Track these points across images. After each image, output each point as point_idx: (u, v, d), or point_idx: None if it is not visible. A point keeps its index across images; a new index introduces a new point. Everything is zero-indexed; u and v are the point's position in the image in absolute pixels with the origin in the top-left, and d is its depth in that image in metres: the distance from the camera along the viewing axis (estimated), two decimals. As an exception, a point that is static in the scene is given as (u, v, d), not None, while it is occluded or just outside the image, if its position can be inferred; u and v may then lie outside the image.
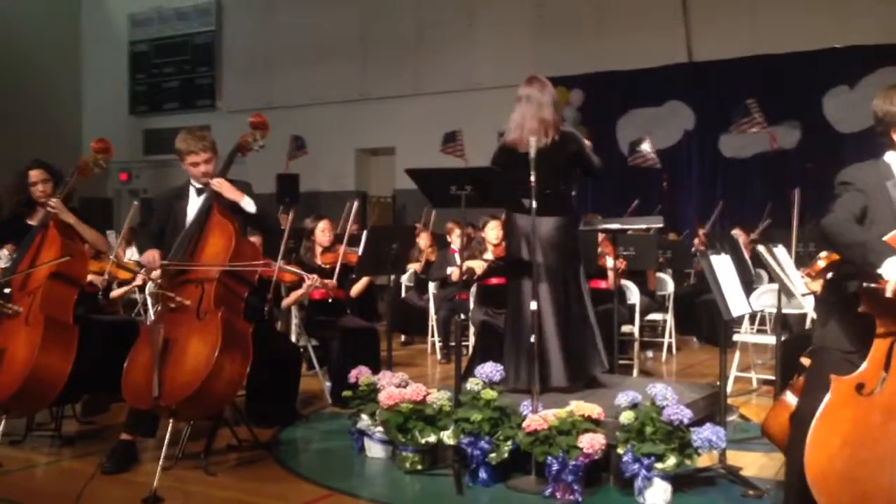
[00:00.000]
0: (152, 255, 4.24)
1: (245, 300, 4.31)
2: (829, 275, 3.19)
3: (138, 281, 6.50)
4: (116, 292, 6.59)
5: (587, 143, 4.74)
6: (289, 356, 5.24)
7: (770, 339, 6.06)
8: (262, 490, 4.00)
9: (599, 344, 4.66)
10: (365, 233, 5.60)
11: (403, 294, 9.17)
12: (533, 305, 4.11)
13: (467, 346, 6.93)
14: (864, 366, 2.70)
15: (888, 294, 2.54)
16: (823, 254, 3.90)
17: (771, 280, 5.78)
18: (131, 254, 8.45)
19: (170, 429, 4.04)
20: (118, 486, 4.00)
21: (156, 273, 4.45)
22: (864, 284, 2.63)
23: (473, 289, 6.92)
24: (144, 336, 4.12)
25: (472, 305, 6.89)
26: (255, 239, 5.13)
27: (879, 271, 2.55)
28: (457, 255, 6.73)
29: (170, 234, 4.42)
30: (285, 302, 5.98)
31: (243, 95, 16.05)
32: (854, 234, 2.71)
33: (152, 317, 6.22)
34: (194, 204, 4.44)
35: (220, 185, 4.34)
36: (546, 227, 4.49)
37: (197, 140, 4.40)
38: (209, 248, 4.22)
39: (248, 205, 4.37)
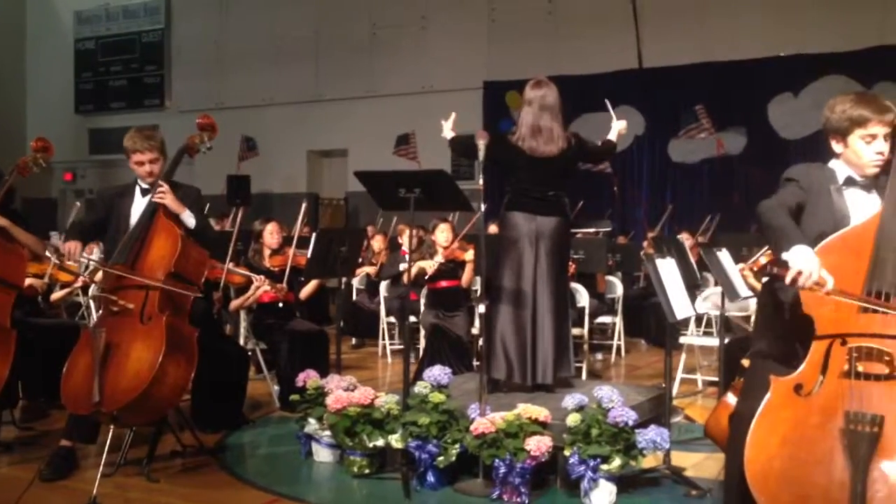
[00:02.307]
0: (71, 245, 4.12)
1: (191, 304, 4.24)
2: (769, 276, 3.24)
3: (79, 283, 6.37)
4: (57, 295, 6.43)
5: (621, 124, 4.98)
6: (236, 360, 5.17)
7: (716, 342, 6.16)
8: (205, 496, 3.94)
9: (571, 346, 4.77)
10: (314, 235, 5.55)
11: (354, 297, 9.12)
12: (481, 308, 4.14)
13: (417, 350, 6.92)
14: (802, 367, 2.74)
15: (787, 281, 2.58)
16: (766, 250, 3.99)
17: (716, 283, 5.87)
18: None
19: (110, 434, 3.95)
20: (57, 494, 3.91)
21: (98, 276, 4.36)
22: (769, 268, 2.68)
23: (424, 291, 6.92)
24: (85, 340, 4.02)
25: (422, 308, 6.89)
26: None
27: (784, 256, 2.61)
28: (407, 257, 6.72)
29: (112, 233, 4.33)
30: (233, 305, 5.90)
31: (193, 95, 15.84)
32: (778, 219, 2.75)
33: (96, 320, 6.09)
34: (139, 204, 4.35)
35: (163, 196, 4.23)
36: (548, 228, 4.62)
37: (144, 139, 4.31)
38: (154, 251, 4.13)
39: (189, 219, 4.28)
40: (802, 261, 2.57)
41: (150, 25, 16.73)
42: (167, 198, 4.21)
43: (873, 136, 2.84)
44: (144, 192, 4.35)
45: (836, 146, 2.93)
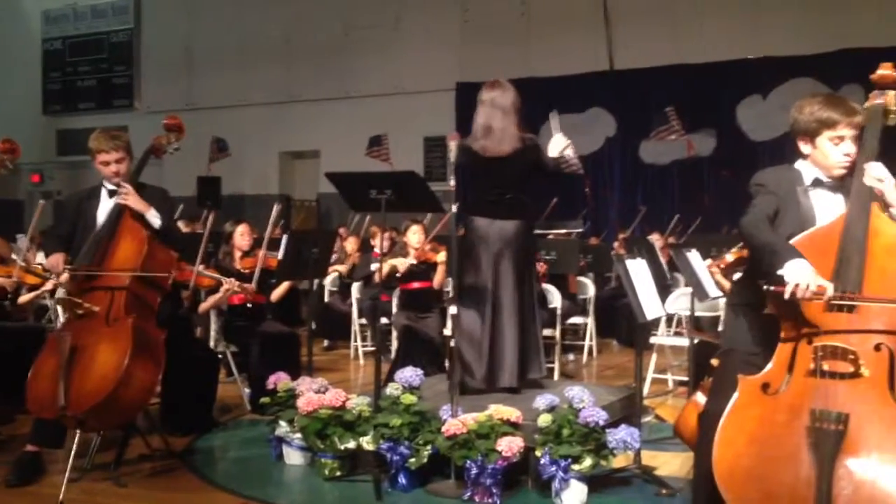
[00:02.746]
0: (56, 259, 4.09)
1: (158, 306, 4.20)
2: (737, 276, 3.28)
3: (48, 286, 6.26)
4: (24, 298, 6.32)
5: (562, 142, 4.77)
6: (205, 362, 5.12)
7: (686, 342, 6.21)
8: (174, 500, 3.89)
9: (542, 348, 4.73)
10: (285, 237, 5.51)
11: (327, 298, 9.07)
12: (452, 310, 4.12)
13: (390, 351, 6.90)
14: (769, 366, 2.78)
15: (786, 296, 2.61)
16: (734, 249, 4.03)
17: (687, 283, 5.92)
18: (42, 257, 8.15)
19: (77, 439, 3.90)
20: (23, 499, 3.84)
21: (64, 277, 4.30)
22: (765, 287, 2.71)
23: (396, 293, 6.90)
24: (51, 343, 3.96)
25: (394, 310, 6.88)
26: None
27: (780, 272, 2.63)
28: (380, 259, 6.70)
29: (80, 235, 4.28)
30: (202, 307, 5.85)
31: (163, 96, 15.70)
32: (764, 234, 2.78)
33: (61, 323, 6.00)
34: (105, 205, 4.30)
35: (126, 196, 4.19)
36: (507, 230, 4.55)
37: (109, 139, 4.28)
38: (120, 252, 4.09)
39: (154, 218, 4.24)
40: (798, 274, 2.60)
41: (119, 25, 16.55)
42: (130, 198, 4.17)
43: (841, 138, 2.87)
44: (111, 194, 4.31)
45: (804, 147, 2.96)
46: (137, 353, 3.80)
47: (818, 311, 2.68)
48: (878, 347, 2.62)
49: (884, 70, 3.02)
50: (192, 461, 4.47)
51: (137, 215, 4.18)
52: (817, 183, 2.94)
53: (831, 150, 2.89)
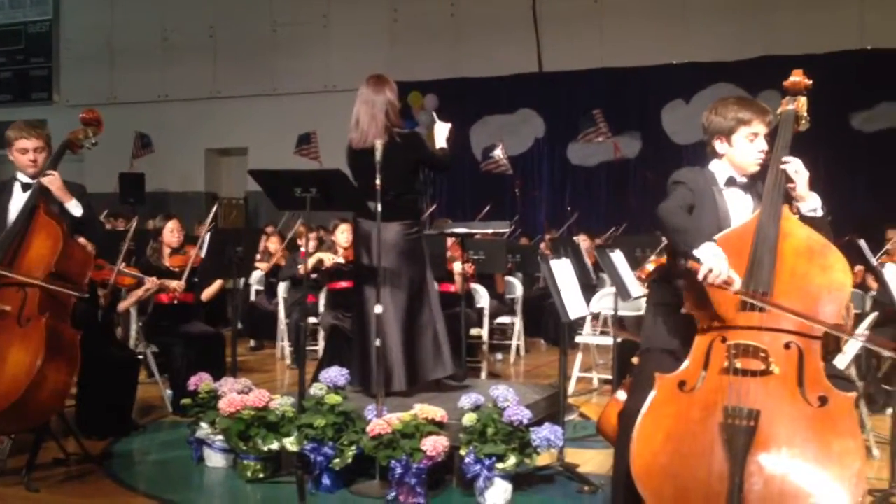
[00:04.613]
0: None
1: (73, 305, 4.07)
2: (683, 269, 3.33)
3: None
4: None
5: (445, 128, 4.74)
6: (124, 363, 5.00)
7: (611, 340, 6.31)
8: (90, 506, 3.79)
9: (445, 348, 4.65)
10: (207, 235, 5.40)
11: (253, 298, 8.94)
12: (378, 309, 4.10)
13: (317, 351, 6.84)
14: (685, 364, 2.84)
15: (699, 277, 2.68)
16: (653, 257, 4.12)
17: (611, 283, 6.01)
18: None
19: (-14, 444, 3.76)
20: (-74, 508, 3.69)
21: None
22: (682, 261, 2.77)
23: (323, 292, 6.84)
24: (-41, 345, 3.80)
25: (321, 309, 6.81)
26: (85, 241, 4.85)
27: (695, 253, 2.70)
28: (307, 258, 6.63)
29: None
30: (122, 305, 5.69)
31: (84, 89, 15.24)
32: (680, 220, 2.86)
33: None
34: (18, 200, 4.16)
35: (51, 180, 4.07)
36: (390, 232, 4.45)
37: (29, 127, 4.20)
38: (34, 249, 3.95)
39: (75, 208, 4.12)
40: (713, 259, 2.67)
41: (37, 16, 15.99)
42: (55, 182, 4.06)
43: (756, 134, 2.99)
44: (25, 188, 4.17)
45: (720, 146, 3.05)
46: (51, 355, 3.68)
47: (732, 309, 2.76)
48: (787, 346, 2.71)
49: (795, 77, 3.13)
50: (109, 465, 4.35)
51: (52, 211, 4.04)
52: (731, 182, 3.04)
53: (747, 146, 2.99)
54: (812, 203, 2.94)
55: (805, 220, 2.93)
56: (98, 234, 4.38)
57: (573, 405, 5.68)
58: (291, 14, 14.39)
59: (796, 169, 2.91)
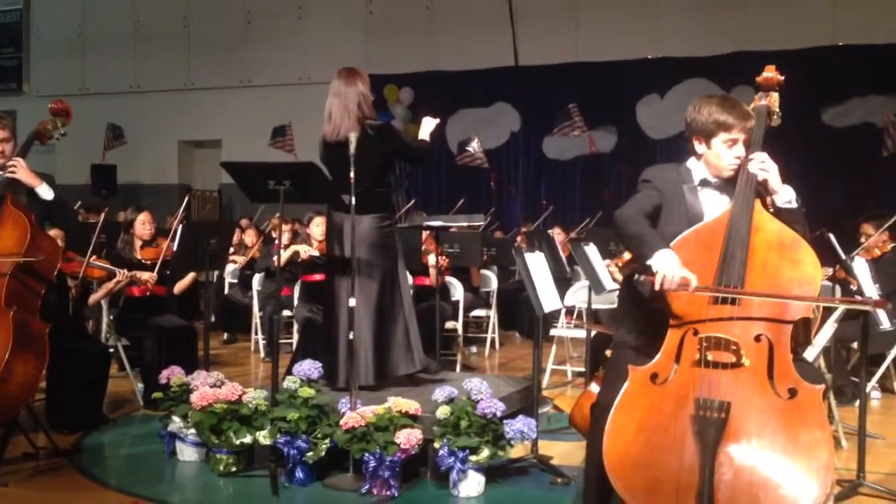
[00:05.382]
0: None
1: (42, 298, 4.01)
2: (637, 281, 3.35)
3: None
4: None
5: (432, 123, 4.73)
6: (95, 357, 4.94)
7: (584, 333, 6.34)
8: (59, 500, 3.75)
9: (415, 342, 4.63)
10: (180, 228, 5.35)
11: (227, 291, 8.88)
12: (351, 302, 4.08)
13: (292, 344, 6.81)
14: (658, 357, 2.85)
15: (656, 287, 2.70)
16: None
17: (585, 277, 6.03)
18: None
19: (-47, 438, 3.70)
20: None
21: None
22: (636, 276, 2.79)
23: (298, 285, 6.81)
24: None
25: (296, 302, 6.78)
26: (54, 233, 4.80)
27: (649, 262, 2.71)
28: (282, 251, 6.60)
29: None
30: (93, 298, 5.63)
31: (55, 80, 15.03)
32: (635, 226, 2.86)
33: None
34: (-16, 192, 4.09)
35: (17, 166, 4.01)
36: (362, 225, 4.43)
37: None
38: (1, 241, 3.88)
39: (46, 192, 4.07)
40: (665, 265, 2.69)
41: (7, 5, 15.75)
42: (20, 171, 4.00)
43: (734, 141, 2.96)
44: (-8, 178, 4.10)
45: (699, 147, 3.04)
46: (18, 348, 3.64)
47: (703, 303, 2.78)
48: (758, 338, 2.73)
49: (768, 73, 3.14)
50: (79, 459, 4.31)
51: (19, 201, 3.98)
52: (705, 183, 3.04)
53: (725, 152, 2.97)
54: (786, 195, 2.94)
55: (781, 212, 2.93)
56: (71, 220, 4.33)
57: (547, 398, 5.70)
58: (266, 5, 14.27)
59: (762, 160, 2.90)
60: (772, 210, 2.95)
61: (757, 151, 2.94)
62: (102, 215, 5.63)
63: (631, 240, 2.85)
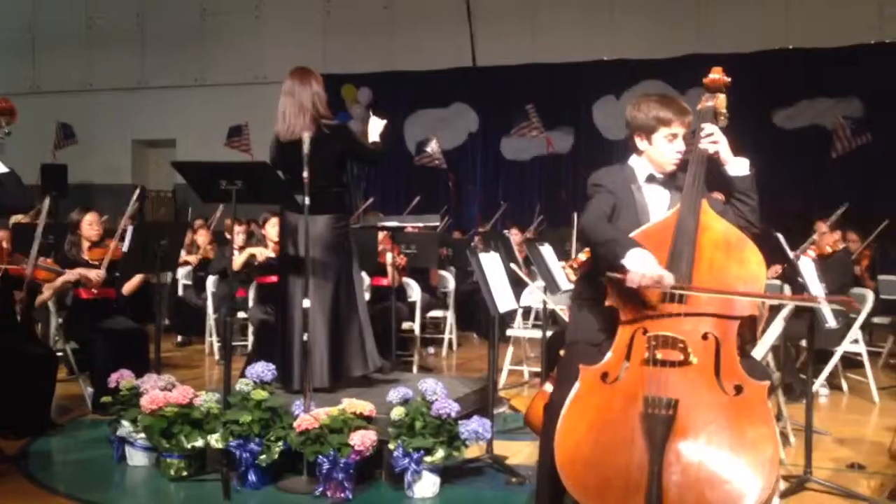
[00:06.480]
0: None
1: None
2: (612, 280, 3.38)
3: None
4: None
5: (380, 124, 4.70)
6: (41, 360, 4.83)
7: (540, 334, 6.36)
8: (4, 508, 3.66)
9: (369, 344, 4.62)
10: (130, 228, 5.25)
11: (180, 292, 8.75)
12: (306, 304, 4.04)
13: (247, 346, 6.74)
14: (608, 356, 2.88)
15: (629, 284, 2.72)
16: (586, 248, 4.16)
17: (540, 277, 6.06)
18: None
19: None
20: None
21: None
22: (609, 273, 2.81)
23: (252, 287, 6.74)
24: None
25: (251, 304, 6.71)
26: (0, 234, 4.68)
27: (623, 262, 2.74)
28: (236, 252, 6.54)
29: None
30: (39, 299, 5.50)
31: (4, 77, 14.68)
32: (605, 231, 2.90)
33: None
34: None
35: None
36: (317, 226, 4.39)
37: None
38: (-57, 242, 3.79)
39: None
40: (641, 264, 2.71)
41: (-48, 0, 15.38)
42: None
43: (675, 136, 3.03)
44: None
45: (641, 143, 3.10)
46: (-39, 352, 3.53)
47: (653, 300, 2.81)
48: (705, 336, 2.77)
49: (714, 74, 3.19)
50: (25, 465, 4.22)
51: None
52: (651, 179, 3.10)
53: (666, 147, 3.04)
54: (738, 165, 3.03)
55: (734, 181, 3.02)
56: (24, 199, 4.16)
57: (503, 398, 5.72)
58: (222, 3, 14.12)
59: (711, 133, 3.00)
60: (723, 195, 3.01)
61: (706, 124, 3.02)
62: (43, 214, 5.49)
63: (603, 245, 2.87)
